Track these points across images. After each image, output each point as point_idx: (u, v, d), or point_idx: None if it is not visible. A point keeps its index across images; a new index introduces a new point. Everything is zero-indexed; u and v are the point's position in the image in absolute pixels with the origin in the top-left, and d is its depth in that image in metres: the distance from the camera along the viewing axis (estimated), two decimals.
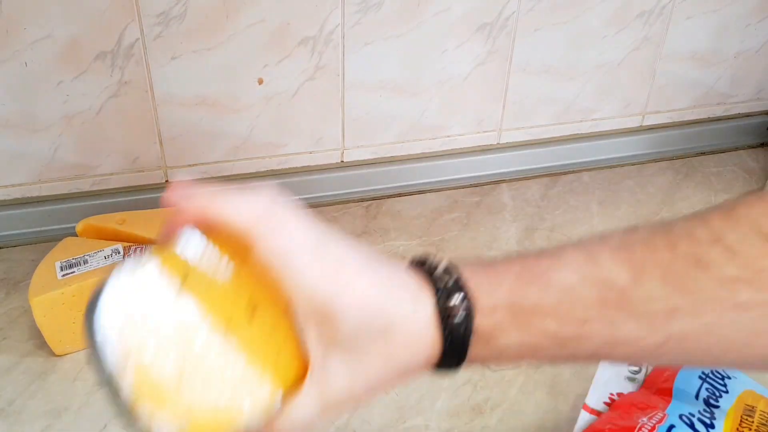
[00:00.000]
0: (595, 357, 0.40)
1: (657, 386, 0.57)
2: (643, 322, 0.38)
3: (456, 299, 0.39)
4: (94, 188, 0.78)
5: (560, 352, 0.39)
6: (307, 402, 0.39)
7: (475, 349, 0.39)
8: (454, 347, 0.39)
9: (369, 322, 0.38)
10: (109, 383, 0.37)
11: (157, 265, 0.37)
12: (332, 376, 0.39)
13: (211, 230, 0.38)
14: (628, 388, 0.58)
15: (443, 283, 0.39)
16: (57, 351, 0.63)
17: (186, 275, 0.38)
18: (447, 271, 0.40)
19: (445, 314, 0.39)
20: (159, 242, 0.39)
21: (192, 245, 0.38)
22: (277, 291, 0.39)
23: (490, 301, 0.39)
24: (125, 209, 0.72)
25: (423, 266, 0.41)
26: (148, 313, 0.37)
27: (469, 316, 0.39)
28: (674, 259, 0.38)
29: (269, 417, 0.39)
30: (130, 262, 0.37)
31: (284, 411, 0.40)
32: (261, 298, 0.39)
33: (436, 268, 0.40)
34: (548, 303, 0.38)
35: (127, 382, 0.37)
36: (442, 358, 0.40)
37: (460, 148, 0.89)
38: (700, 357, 0.40)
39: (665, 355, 0.39)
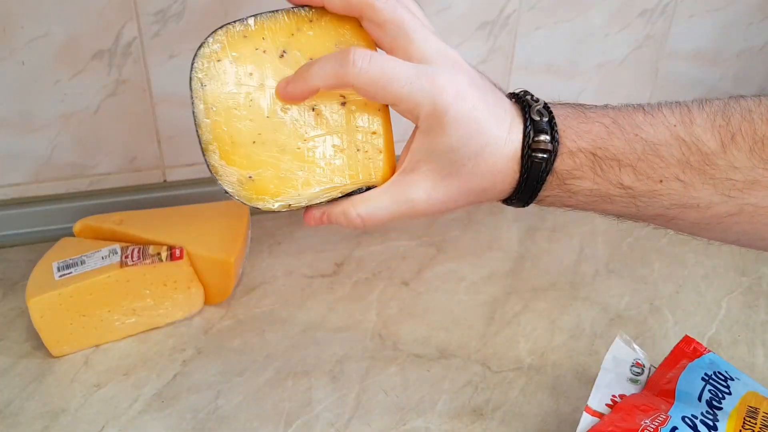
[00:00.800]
0: (660, 218, 0.42)
1: (659, 388, 0.57)
2: (720, 188, 0.40)
3: (543, 137, 0.41)
4: (92, 188, 0.77)
5: (629, 205, 0.41)
6: (383, 199, 0.44)
7: (549, 187, 0.42)
8: (530, 181, 0.42)
9: (470, 137, 0.40)
10: (196, 126, 0.44)
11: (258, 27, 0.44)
12: (415, 185, 0.43)
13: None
14: (630, 389, 0.57)
15: (536, 121, 0.42)
16: (54, 352, 0.63)
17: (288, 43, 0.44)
18: (541, 111, 0.42)
19: (529, 149, 0.41)
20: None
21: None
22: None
23: (575, 144, 0.41)
24: (123, 209, 0.72)
25: (521, 100, 0.44)
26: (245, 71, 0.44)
27: (551, 155, 0.41)
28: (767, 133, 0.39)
29: (338, 197, 0.45)
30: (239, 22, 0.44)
31: (357, 198, 0.45)
32: (355, 92, 0.43)
33: (531, 104, 0.43)
34: (630, 155, 0.40)
35: (206, 129, 0.44)
36: (517, 189, 0.42)
37: None
38: (764, 234, 0.42)
39: (731, 228, 0.41)
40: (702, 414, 0.53)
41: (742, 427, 0.52)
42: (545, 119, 0.42)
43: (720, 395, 0.55)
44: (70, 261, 0.63)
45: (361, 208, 0.44)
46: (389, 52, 0.43)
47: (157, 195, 0.78)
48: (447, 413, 0.58)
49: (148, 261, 0.63)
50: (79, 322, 0.62)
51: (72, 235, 0.70)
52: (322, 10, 0.44)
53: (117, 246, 0.65)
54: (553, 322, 0.68)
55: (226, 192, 0.44)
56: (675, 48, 0.90)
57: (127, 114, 0.74)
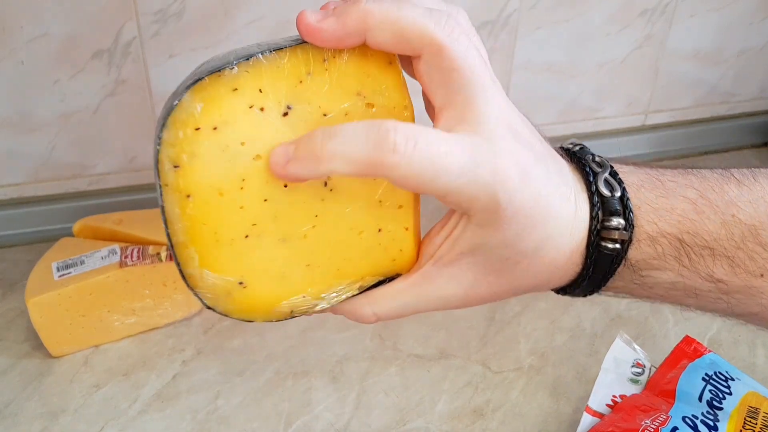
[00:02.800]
0: (756, 318, 0.35)
1: (660, 388, 0.56)
2: None
3: (616, 221, 0.32)
4: (91, 188, 0.77)
5: (717, 301, 0.34)
6: (408, 295, 0.35)
7: (617, 278, 0.34)
8: (596, 275, 0.34)
9: (532, 229, 0.32)
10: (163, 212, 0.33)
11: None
12: (451, 281, 0.34)
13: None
14: (630, 390, 0.57)
15: (604, 197, 0.33)
16: (54, 352, 0.62)
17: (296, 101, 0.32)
18: (610, 181, 0.33)
19: (597, 236, 0.33)
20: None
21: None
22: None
23: (655, 228, 0.33)
24: (122, 209, 0.72)
25: (580, 161, 0.34)
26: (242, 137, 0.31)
27: (625, 244, 0.33)
28: None
29: (348, 299, 0.36)
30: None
31: (376, 293, 0.35)
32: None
33: (597, 172, 0.34)
34: (727, 242, 0.33)
35: (178, 228, 0.32)
36: (576, 282, 0.34)
37: None
38: None
39: None
40: (702, 414, 0.53)
41: (743, 427, 0.52)
42: (617, 195, 0.33)
43: (720, 395, 0.55)
44: (70, 261, 0.63)
45: (379, 305, 0.35)
46: (434, 101, 0.32)
47: (157, 195, 0.78)
48: (447, 413, 0.58)
49: (147, 261, 0.63)
50: (79, 323, 0.62)
51: (71, 235, 0.70)
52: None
53: (116, 246, 0.65)
54: (553, 322, 0.68)
55: (209, 308, 0.34)
56: (675, 48, 0.90)
57: (126, 114, 0.74)
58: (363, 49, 0.32)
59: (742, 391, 0.55)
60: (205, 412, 0.58)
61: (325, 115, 0.32)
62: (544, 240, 0.32)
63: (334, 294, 0.35)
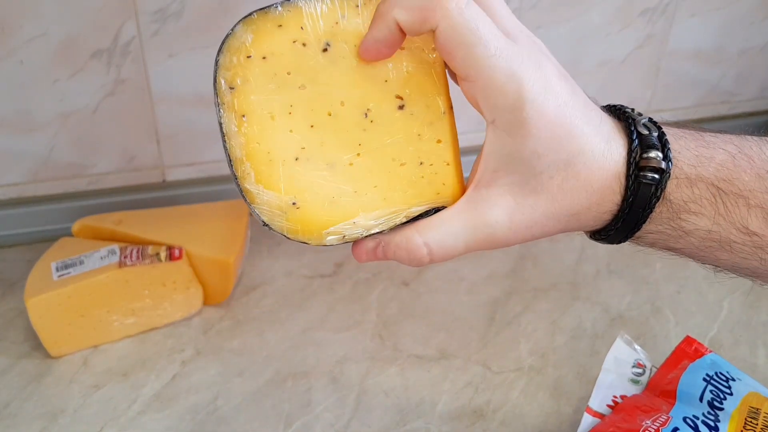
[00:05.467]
0: None
1: (661, 388, 0.56)
2: None
3: (654, 153, 0.33)
4: (91, 188, 0.77)
5: (750, 256, 0.34)
6: (455, 223, 0.35)
7: (657, 220, 0.34)
8: (636, 208, 0.34)
9: (561, 140, 0.33)
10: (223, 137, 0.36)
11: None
12: (493, 204, 0.34)
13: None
14: (631, 390, 0.57)
15: (642, 134, 0.34)
16: (53, 353, 0.62)
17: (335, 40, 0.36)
18: (648, 125, 0.35)
19: (636, 166, 0.33)
20: None
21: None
22: (443, 90, 0.37)
23: (694, 171, 0.33)
24: (122, 209, 0.72)
25: (621, 113, 0.36)
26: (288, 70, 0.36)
27: (664, 177, 0.33)
28: None
29: (397, 226, 0.37)
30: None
31: (423, 223, 0.36)
32: (413, 91, 0.37)
33: (635, 118, 0.35)
34: (762, 195, 0.33)
35: (236, 144, 0.36)
36: (616, 219, 0.35)
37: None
38: None
39: None
40: (703, 415, 0.53)
41: (744, 427, 0.52)
42: (654, 134, 0.34)
43: (721, 396, 0.55)
44: (69, 261, 0.63)
45: (429, 235, 0.35)
46: None
47: (156, 195, 0.78)
48: (447, 414, 0.58)
49: (147, 261, 0.63)
50: (78, 323, 0.62)
51: (70, 235, 0.70)
52: None
53: (116, 246, 0.65)
54: (553, 322, 0.68)
55: (265, 224, 0.37)
56: (676, 47, 0.90)
57: (126, 113, 0.74)
58: None
59: (743, 391, 0.55)
60: (205, 413, 0.58)
61: None
62: (575, 154, 0.33)
63: (383, 220, 0.37)
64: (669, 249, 0.36)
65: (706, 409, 0.53)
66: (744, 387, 0.56)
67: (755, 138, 0.35)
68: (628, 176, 0.34)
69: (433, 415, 0.58)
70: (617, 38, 0.87)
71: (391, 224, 0.37)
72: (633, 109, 0.36)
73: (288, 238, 0.37)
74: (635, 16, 0.86)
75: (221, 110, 0.35)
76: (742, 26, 0.91)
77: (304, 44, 0.36)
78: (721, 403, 0.54)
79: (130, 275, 0.62)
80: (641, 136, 0.34)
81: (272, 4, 0.36)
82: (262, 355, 0.63)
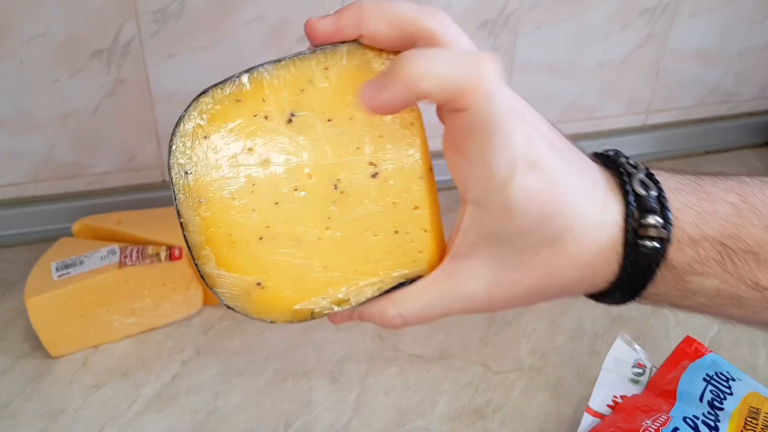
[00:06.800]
0: None
1: (661, 389, 0.56)
2: None
3: (653, 218, 0.31)
4: (90, 188, 0.77)
5: (762, 311, 0.33)
6: (430, 294, 0.34)
7: (660, 284, 0.32)
8: (634, 277, 0.32)
9: (547, 218, 0.30)
10: (179, 215, 0.34)
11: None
12: (471, 277, 0.33)
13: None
14: (631, 390, 0.57)
15: (640, 195, 0.32)
16: (53, 353, 0.62)
17: (300, 106, 0.33)
18: (645, 181, 0.32)
19: (634, 234, 0.31)
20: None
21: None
22: (421, 151, 0.34)
23: (697, 230, 0.32)
24: (122, 209, 0.72)
25: (614, 164, 0.33)
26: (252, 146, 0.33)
27: (665, 242, 0.31)
28: None
29: (371, 300, 0.35)
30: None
31: (398, 294, 0.34)
32: (387, 155, 0.34)
33: (631, 172, 0.33)
34: None
35: (194, 230, 0.34)
36: (613, 288, 0.33)
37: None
38: None
39: None
40: (703, 415, 0.53)
41: (744, 427, 0.52)
42: (653, 193, 0.32)
43: (721, 396, 0.55)
44: (69, 261, 0.63)
45: (403, 307, 0.34)
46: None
47: (156, 195, 0.78)
48: (447, 414, 0.58)
49: (147, 261, 0.63)
50: (78, 323, 0.62)
51: (70, 235, 0.70)
52: (340, 52, 0.33)
53: (116, 246, 0.65)
54: (553, 322, 0.68)
55: (228, 307, 0.34)
56: (676, 47, 0.90)
57: (126, 113, 0.74)
58: (364, 55, 0.33)
59: (743, 391, 0.55)
60: (205, 413, 0.58)
61: (329, 120, 0.33)
62: (564, 231, 0.31)
63: (354, 295, 0.35)
64: (675, 306, 0.35)
65: (706, 409, 0.53)
66: (744, 387, 0.56)
67: (756, 181, 0.34)
68: (625, 246, 0.31)
69: (433, 415, 0.58)
70: (617, 38, 0.87)
71: (363, 299, 0.35)
72: (627, 158, 0.34)
73: (252, 319, 0.35)
74: (635, 15, 0.86)
75: (177, 195, 0.33)
76: (742, 26, 0.91)
77: (266, 117, 0.33)
78: (721, 403, 0.54)
79: (130, 275, 0.62)
80: (638, 198, 0.32)
81: (230, 77, 0.33)
82: (262, 355, 0.63)
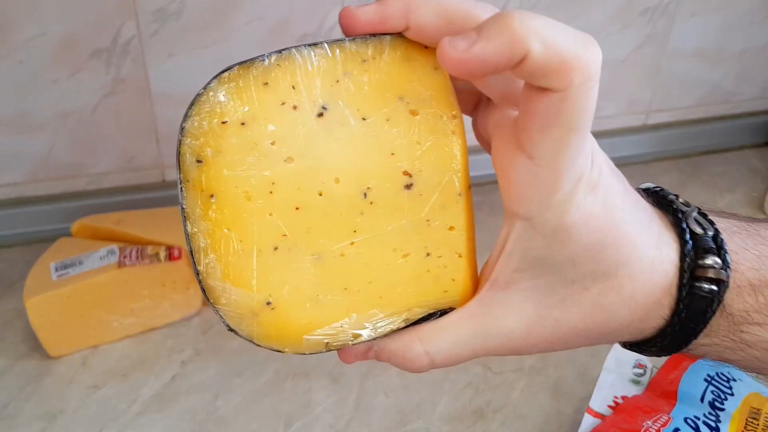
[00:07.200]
0: None
1: (662, 389, 0.56)
2: None
3: (711, 260, 0.28)
4: (90, 188, 0.77)
5: None
6: (462, 330, 0.30)
7: (711, 334, 0.29)
8: (687, 324, 0.29)
9: (602, 249, 0.27)
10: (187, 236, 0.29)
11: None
12: (510, 311, 0.29)
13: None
14: (632, 391, 0.57)
15: (697, 234, 0.29)
16: (52, 353, 0.62)
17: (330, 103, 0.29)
18: (700, 220, 0.29)
19: (691, 275, 0.28)
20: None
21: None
22: (461, 164, 0.30)
23: (756, 275, 0.29)
24: (121, 209, 0.72)
25: (664, 201, 0.31)
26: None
27: (723, 286, 0.28)
28: None
29: (394, 332, 0.30)
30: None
31: (426, 328, 0.30)
32: (425, 165, 0.30)
33: (684, 210, 0.30)
34: None
35: (200, 231, 0.29)
36: (662, 335, 0.29)
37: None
38: None
39: None
40: (704, 415, 0.52)
41: (744, 428, 0.52)
42: (710, 233, 0.29)
43: (722, 396, 0.55)
44: (68, 261, 0.63)
45: (431, 344, 0.30)
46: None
47: (156, 195, 0.78)
48: (448, 415, 0.58)
49: (146, 261, 0.63)
50: (77, 323, 0.62)
51: (70, 235, 0.70)
52: (382, 45, 0.29)
53: (115, 246, 0.64)
54: None
55: (230, 329, 0.30)
56: (677, 47, 0.90)
57: (125, 113, 0.74)
58: (407, 51, 0.30)
59: (743, 392, 0.55)
60: (205, 413, 0.58)
61: (363, 118, 0.30)
62: (618, 265, 0.28)
63: (377, 325, 0.30)
64: (724, 360, 0.31)
65: (707, 409, 0.53)
66: (745, 387, 0.56)
67: None
68: (680, 287, 0.28)
69: (433, 415, 0.58)
70: (618, 38, 0.87)
71: (387, 330, 0.30)
72: (677, 196, 0.31)
73: (257, 345, 0.30)
74: (636, 15, 0.86)
75: (184, 189, 0.29)
76: (742, 26, 0.91)
77: (294, 107, 0.29)
78: (722, 404, 0.54)
79: (130, 275, 0.62)
80: (695, 238, 0.29)
81: (259, 56, 0.29)
82: (261, 355, 0.63)
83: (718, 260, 0.28)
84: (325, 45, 0.29)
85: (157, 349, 0.64)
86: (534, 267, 0.28)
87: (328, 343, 0.30)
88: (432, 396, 0.59)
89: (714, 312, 0.28)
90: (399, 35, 0.29)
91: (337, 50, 0.29)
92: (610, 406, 0.56)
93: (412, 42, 0.29)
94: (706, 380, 0.56)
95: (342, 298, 0.30)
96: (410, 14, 0.28)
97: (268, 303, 0.30)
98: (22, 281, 0.62)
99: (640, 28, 0.87)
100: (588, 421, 0.55)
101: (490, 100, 0.31)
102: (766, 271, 0.29)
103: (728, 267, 0.28)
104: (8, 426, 0.56)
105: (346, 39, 0.29)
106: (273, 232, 0.29)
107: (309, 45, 0.29)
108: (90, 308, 0.62)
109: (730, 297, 0.28)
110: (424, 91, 0.30)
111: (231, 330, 0.29)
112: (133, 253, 0.63)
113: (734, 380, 0.56)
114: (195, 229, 0.29)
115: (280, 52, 0.29)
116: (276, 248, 0.29)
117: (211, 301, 0.29)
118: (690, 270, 0.28)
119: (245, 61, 0.29)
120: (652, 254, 0.28)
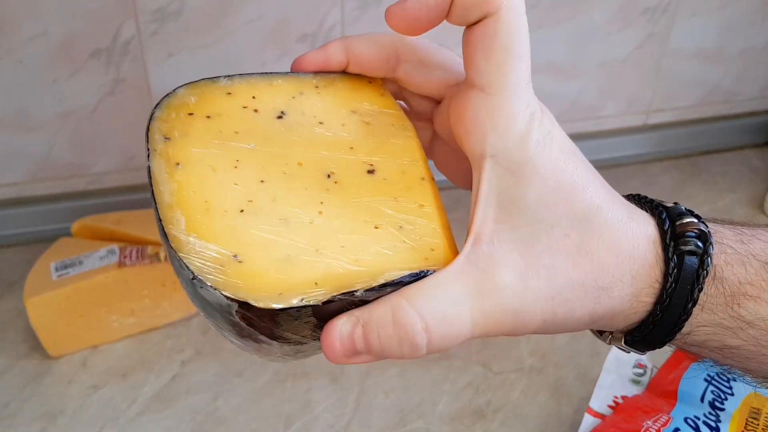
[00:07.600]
0: None
1: (662, 389, 0.56)
2: None
3: (689, 219, 0.29)
4: (90, 188, 0.77)
5: None
6: (455, 289, 0.27)
7: (709, 307, 0.29)
8: (682, 286, 0.28)
9: (569, 192, 0.28)
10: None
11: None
12: (498, 264, 0.28)
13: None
14: (632, 391, 0.57)
15: (669, 206, 0.30)
16: (52, 353, 0.62)
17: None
18: (677, 206, 0.30)
19: (673, 234, 0.29)
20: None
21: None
22: (419, 154, 0.32)
23: (742, 246, 0.29)
24: (121, 209, 0.72)
25: (639, 198, 0.32)
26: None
27: (706, 242, 0.28)
28: None
29: (378, 296, 0.28)
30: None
31: (412, 288, 0.27)
32: (384, 156, 0.32)
33: (661, 201, 0.31)
34: None
35: (165, 189, 0.29)
36: (660, 301, 0.28)
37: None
38: None
39: None
40: (704, 415, 0.53)
41: (745, 428, 0.52)
42: (682, 207, 0.30)
43: (722, 396, 0.55)
44: (68, 261, 0.63)
45: (422, 304, 0.27)
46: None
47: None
48: (448, 415, 0.58)
49: (146, 261, 0.63)
50: (77, 323, 0.62)
51: (70, 235, 0.70)
52: (332, 77, 0.33)
53: (115, 246, 0.64)
54: None
55: (193, 278, 0.27)
56: (677, 47, 0.90)
57: (125, 113, 0.74)
58: (354, 83, 0.34)
59: (744, 391, 0.55)
60: (205, 413, 0.58)
61: (321, 123, 0.32)
62: (592, 209, 0.28)
63: (357, 286, 0.28)
64: (725, 348, 0.30)
65: (707, 409, 0.53)
66: (745, 387, 0.56)
67: None
68: (664, 244, 0.28)
69: (434, 415, 0.58)
70: (618, 38, 0.86)
71: (366, 286, 0.27)
72: (655, 199, 0.32)
73: (225, 298, 0.26)
74: (636, 15, 0.85)
75: (151, 156, 0.29)
76: (743, 26, 0.91)
77: (255, 110, 0.31)
78: (722, 404, 0.54)
79: (130, 275, 0.62)
80: (668, 209, 0.30)
81: (222, 75, 0.32)
82: None
83: (695, 219, 0.29)
84: (279, 74, 0.33)
85: (157, 349, 0.64)
86: (512, 214, 0.28)
87: (303, 299, 0.27)
88: (432, 396, 0.59)
89: (707, 271, 0.28)
90: (344, 73, 0.34)
91: (293, 77, 0.33)
92: (610, 406, 0.56)
93: (356, 76, 0.34)
94: (706, 380, 0.56)
95: (315, 259, 0.28)
96: (347, 49, 0.33)
97: (235, 256, 0.28)
98: (22, 281, 0.62)
99: (640, 27, 0.87)
100: (588, 421, 0.55)
101: (437, 135, 0.35)
102: (749, 244, 0.29)
103: (707, 227, 0.29)
104: (8, 426, 0.56)
105: (301, 73, 0.33)
106: (239, 198, 0.29)
107: (267, 73, 0.33)
108: (90, 308, 0.62)
109: (720, 261, 0.29)
110: (374, 108, 0.33)
111: (193, 280, 0.27)
112: (133, 253, 0.63)
113: (734, 380, 0.56)
114: (161, 188, 0.29)
115: (241, 75, 0.33)
116: (242, 210, 0.29)
117: (174, 248, 0.27)
118: (670, 230, 0.29)
119: (211, 77, 0.32)
120: (625, 206, 0.29)
